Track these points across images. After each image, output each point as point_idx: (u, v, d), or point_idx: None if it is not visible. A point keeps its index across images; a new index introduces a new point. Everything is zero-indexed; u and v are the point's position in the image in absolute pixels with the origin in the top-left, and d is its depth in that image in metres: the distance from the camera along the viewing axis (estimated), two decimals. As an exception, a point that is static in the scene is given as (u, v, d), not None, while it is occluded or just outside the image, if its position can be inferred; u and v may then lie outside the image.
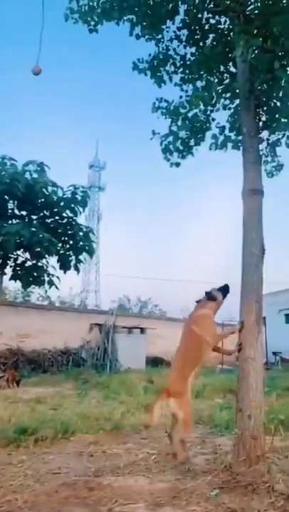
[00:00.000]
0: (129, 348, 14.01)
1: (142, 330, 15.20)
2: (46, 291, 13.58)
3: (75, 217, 13.69)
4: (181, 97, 5.87)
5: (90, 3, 6.20)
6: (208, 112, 5.69)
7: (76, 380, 10.75)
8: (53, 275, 13.24)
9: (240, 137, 5.23)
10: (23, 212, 13.23)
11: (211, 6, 5.62)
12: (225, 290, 4.11)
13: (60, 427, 4.96)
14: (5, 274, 13.10)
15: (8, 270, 13.21)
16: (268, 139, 5.20)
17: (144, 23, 6.10)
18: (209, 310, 4.01)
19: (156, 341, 16.43)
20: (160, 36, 6.23)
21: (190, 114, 5.74)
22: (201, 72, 5.99)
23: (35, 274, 12.95)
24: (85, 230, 14.19)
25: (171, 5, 6.02)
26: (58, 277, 13.20)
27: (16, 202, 12.78)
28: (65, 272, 13.12)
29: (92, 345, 14.56)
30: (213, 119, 5.80)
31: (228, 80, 5.56)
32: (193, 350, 3.84)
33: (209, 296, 4.06)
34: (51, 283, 13.00)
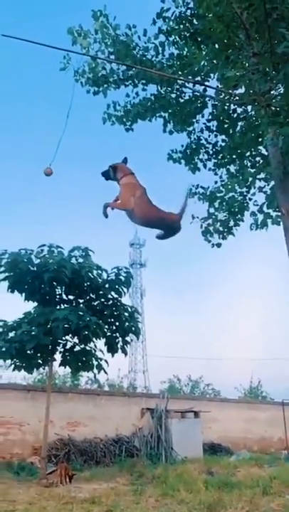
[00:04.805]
0: (183, 434, 13.15)
1: (196, 413, 14.34)
2: (95, 376, 13.33)
3: (119, 298, 13.75)
4: (216, 182, 6.14)
5: (125, 108, 6.88)
6: (245, 193, 5.87)
7: (130, 472, 10.09)
8: (101, 359, 13.08)
9: (279, 213, 5.29)
10: (71, 297, 13.52)
11: (237, 98, 6.04)
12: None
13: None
14: (54, 360, 13.12)
15: (58, 356, 13.22)
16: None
17: (176, 119, 6.62)
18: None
19: (212, 425, 15.37)
20: (191, 128, 6.72)
21: (227, 197, 5.94)
22: (234, 157, 6.29)
23: (83, 358, 12.86)
24: (130, 310, 14.16)
25: (199, 101, 6.55)
26: (106, 361, 13.02)
27: (63, 287, 13.12)
28: (112, 355, 12.95)
29: (144, 432, 13.82)
30: (250, 199, 5.96)
31: (261, 162, 5.78)
32: None
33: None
34: (100, 367, 12.81)
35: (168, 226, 4.17)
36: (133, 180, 4.27)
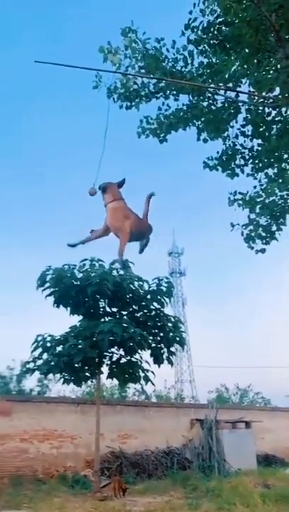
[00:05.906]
0: (235, 445, 12.81)
1: (247, 424, 13.95)
2: (142, 387, 13.31)
3: (162, 308, 13.71)
4: (255, 186, 6.04)
5: (158, 120, 6.93)
6: (286, 197, 5.74)
7: (184, 485, 9.95)
8: (147, 370, 13.04)
9: None
10: (114, 309, 13.62)
11: (271, 101, 5.94)
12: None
13: None
14: (102, 372, 13.23)
15: (104, 368, 13.32)
16: None
17: (209, 127, 6.59)
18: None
19: (265, 436, 14.88)
20: (226, 134, 6.65)
21: (267, 201, 5.82)
22: (272, 160, 6.17)
23: (130, 370, 12.89)
24: (173, 320, 14.08)
25: (232, 107, 6.50)
26: (152, 372, 12.97)
27: (106, 300, 13.24)
28: (159, 366, 12.88)
29: (195, 443, 13.60)
30: (292, 202, 5.81)
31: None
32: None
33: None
34: (147, 379, 12.78)
35: (150, 231, 4.37)
36: (123, 205, 4.25)
